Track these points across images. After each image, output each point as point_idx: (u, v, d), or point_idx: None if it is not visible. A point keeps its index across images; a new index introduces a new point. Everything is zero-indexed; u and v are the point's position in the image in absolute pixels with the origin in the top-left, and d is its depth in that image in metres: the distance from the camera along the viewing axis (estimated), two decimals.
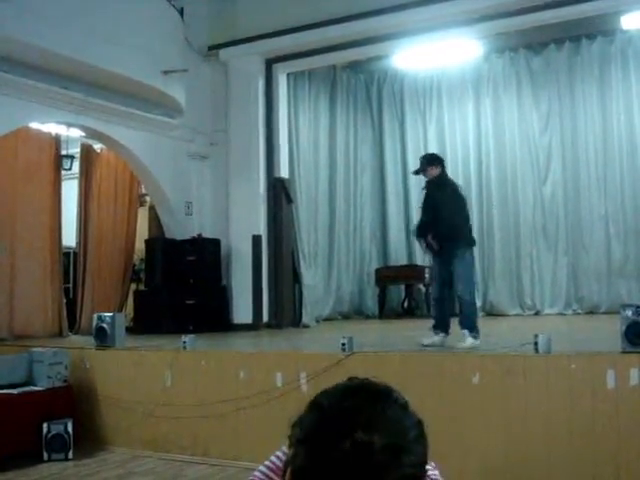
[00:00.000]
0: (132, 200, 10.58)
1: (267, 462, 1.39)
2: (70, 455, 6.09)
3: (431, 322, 6.25)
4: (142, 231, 10.93)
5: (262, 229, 10.07)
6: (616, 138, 10.91)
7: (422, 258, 11.15)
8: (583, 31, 10.77)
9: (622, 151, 10.87)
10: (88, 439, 6.46)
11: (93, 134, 9.26)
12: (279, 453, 1.36)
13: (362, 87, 12.89)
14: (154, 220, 10.84)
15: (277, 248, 10.11)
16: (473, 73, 11.90)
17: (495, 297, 11.47)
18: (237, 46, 10.03)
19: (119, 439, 6.50)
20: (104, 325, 6.83)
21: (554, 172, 11.37)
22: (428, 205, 6.18)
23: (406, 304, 12.09)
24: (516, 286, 11.40)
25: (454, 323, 6.10)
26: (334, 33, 9.32)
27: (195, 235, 9.88)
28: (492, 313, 11.34)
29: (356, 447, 0.93)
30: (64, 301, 9.48)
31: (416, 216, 6.91)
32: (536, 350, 4.90)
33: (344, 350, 5.51)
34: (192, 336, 6.55)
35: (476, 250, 6.64)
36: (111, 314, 7.07)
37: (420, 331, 6.86)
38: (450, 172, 6.67)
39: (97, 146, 10.35)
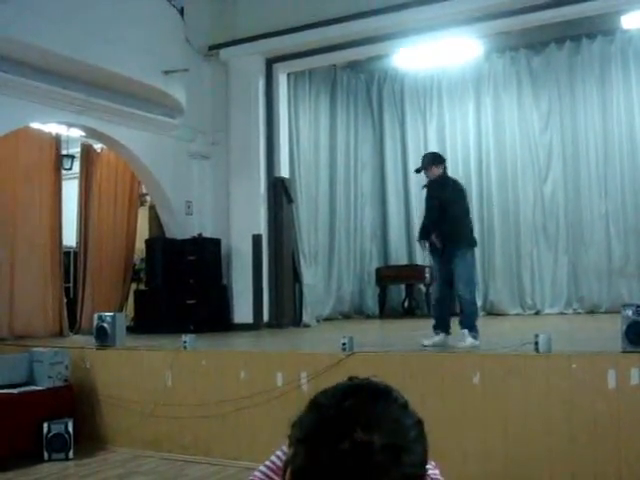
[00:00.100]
0: (132, 200, 10.58)
1: (267, 462, 1.39)
2: (70, 455, 6.10)
3: (432, 322, 6.25)
4: (142, 231, 10.93)
5: (262, 229, 10.07)
6: (616, 137, 10.91)
7: (422, 258, 11.16)
8: (584, 30, 10.76)
9: (622, 150, 10.87)
10: (88, 439, 6.47)
11: (93, 134, 9.26)
12: (279, 453, 1.36)
13: (362, 87, 12.88)
14: (154, 220, 10.85)
15: (277, 248, 10.11)
16: (473, 72, 11.89)
17: (495, 296, 11.47)
18: (237, 46, 10.03)
19: (120, 439, 6.50)
20: (105, 325, 6.83)
21: (554, 171, 11.37)
22: (432, 205, 6.17)
23: (406, 304, 12.08)
24: (516, 285, 11.39)
25: (454, 323, 6.11)
26: (334, 33, 9.32)
27: (195, 235, 9.88)
28: (492, 313, 11.34)
29: (356, 446, 0.93)
30: (64, 301, 9.47)
31: (416, 216, 6.89)
32: (537, 350, 4.90)
33: (344, 350, 5.52)
34: (192, 336, 6.56)
35: (476, 250, 6.63)
36: (112, 314, 7.07)
37: (421, 331, 6.87)
38: (450, 171, 6.65)
39: (97, 146, 10.35)
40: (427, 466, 1.04)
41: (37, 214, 9.06)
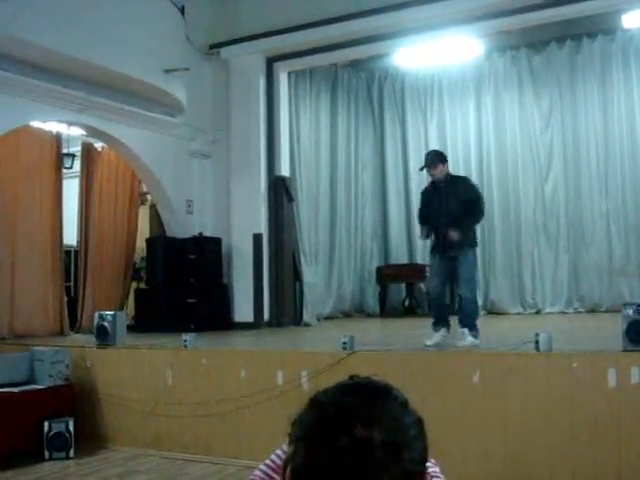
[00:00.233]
0: (133, 198, 10.58)
1: (268, 461, 1.39)
2: (71, 454, 6.10)
3: (431, 321, 6.25)
4: (143, 229, 10.94)
5: (263, 227, 10.07)
6: (617, 136, 10.91)
7: (423, 256, 11.15)
8: (584, 30, 10.76)
9: (623, 149, 10.87)
10: (89, 438, 6.47)
11: (94, 133, 9.26)
12: (279, 451, 1.36)
13: (363, 85, 12.88)
14: (155, 218, 10.85)
15: (278, 246, 10.12)
16: (474, 71, 11.88)
17: (496, 295, 11.46)
18: (238, 44, 10.03)
19: (120, 437, 6.51)
20: (105, 324, 6.84)
21: (555, 170, 11.36)
22: (458, 201, 6.08)
23: (407, 302, 12.08)
24: (517, 284, 11.39)
25: (454, 323, 6.11)
26: (335, 32, 9.32)
27: (196, 234, 9.88)
28: (493, 311, 11.33)
29: (355, 442, 0.93)
30: (65, 300, 9.48)
31: (417, 215, 6.84)
32: (537, 349, 4.90)
33: (345, 349, 5.52)
34: (193, 335, 6.56)
35: (477, 249, 6.62)
36: (112, 313, 7.07)
37: (421, 330, 6.87)
38: (451, 170, 6.63)
39: (98, 144, 10.35)
40: (427, 464, 1.04)
41: (38, 213, 9.06)
